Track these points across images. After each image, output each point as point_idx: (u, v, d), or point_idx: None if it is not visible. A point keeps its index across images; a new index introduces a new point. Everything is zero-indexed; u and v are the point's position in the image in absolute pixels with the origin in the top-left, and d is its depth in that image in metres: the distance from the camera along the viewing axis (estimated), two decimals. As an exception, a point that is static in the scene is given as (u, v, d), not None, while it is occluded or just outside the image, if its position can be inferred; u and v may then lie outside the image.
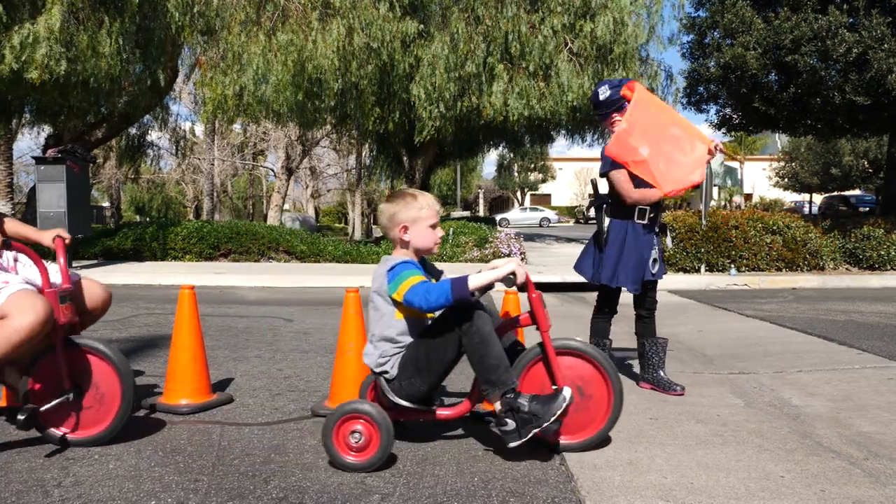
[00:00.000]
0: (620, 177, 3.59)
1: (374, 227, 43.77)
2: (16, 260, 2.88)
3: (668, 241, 3.87)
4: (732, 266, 10.05)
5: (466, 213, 48.70)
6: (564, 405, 2.52)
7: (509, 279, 2.61)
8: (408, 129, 14.43)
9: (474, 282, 2.55)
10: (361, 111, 12.94)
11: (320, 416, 3.18)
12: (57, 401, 2.70)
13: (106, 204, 46.27)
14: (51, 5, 9.82)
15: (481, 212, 60.10)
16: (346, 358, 3.21)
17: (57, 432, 2.75)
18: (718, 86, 13.85)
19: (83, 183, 10.59)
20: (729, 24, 12.71)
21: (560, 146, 70.46)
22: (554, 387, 2.66)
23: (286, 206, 39.82)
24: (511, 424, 2.53)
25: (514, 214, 45.66)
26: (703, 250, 10.16)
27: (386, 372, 2.65)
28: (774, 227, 10.46)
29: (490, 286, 2.61)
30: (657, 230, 3.65)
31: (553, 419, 2.50)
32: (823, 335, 5.52)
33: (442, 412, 2.71)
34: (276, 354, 4.66)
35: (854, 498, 2.31)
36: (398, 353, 2.65)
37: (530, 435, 2.51)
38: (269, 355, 4.63)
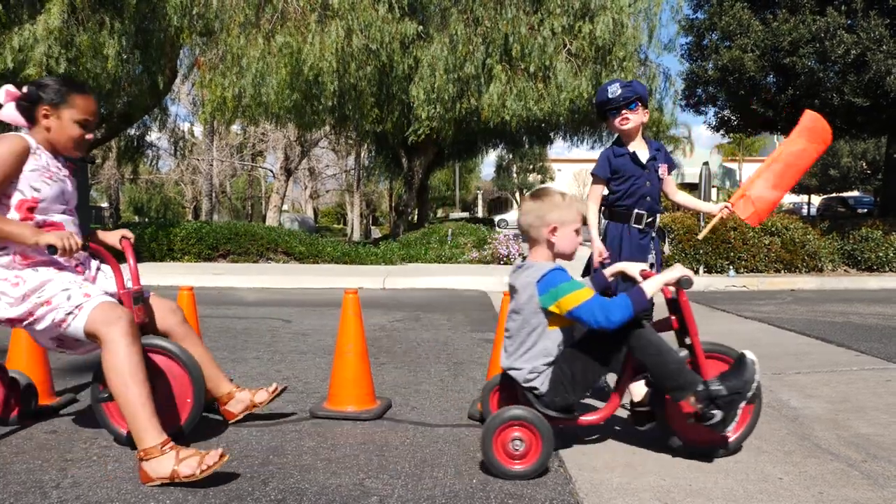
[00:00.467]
0: (594, 186, 3.66)
1: (372, 227, 43.79)
2: (98, 269, 2.88)
3: (666, 246, 3.87)
4: (731, 267, 10.06)
5: (465, 215, 48.74)
6: (756, 367, 2.51)
7: (687, 281, 2.58)
8: (406, 130, 14.44)
9: (649, 290, 2.51)
10: (360, 112, 12.95)
11: (318, 417, 3.18)
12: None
13: (105, 204, 46.25)
14: (50, 6, 9.83)
15: (480, 213, 60.08)
16: (345, 359, 3.21)
17: (122, 431, 2.74)
18: (717, 88, 13.88)
19: (82, 184, 10.58)
20: (727, 27, 12.74)
21: (560, 147, 70.61)
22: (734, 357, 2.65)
23: (285, 207, 39.83)
24: (718, 414, 2.48)
25: (513, 215, 45.60)
26: (701, 252, 10.17)
27: (535, 388, 2.56)
28: (773, 229, 10.48)
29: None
30: (654, 235, 3.65)
31: (755, 385, 2.49)
32: (822, 337, 5.53)
33: (586, 418, 2.66)
34: (275, 356, 4.66)
35: (852, 500, 2.32)
36: (549, 368, 2.56)
37: (740, 410, 2.49)
38: (267, 356, 4.63)
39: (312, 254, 12.02)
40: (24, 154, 2.60)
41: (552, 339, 2.56)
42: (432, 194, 49.19)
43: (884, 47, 11.04)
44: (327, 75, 11.47)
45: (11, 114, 2.71)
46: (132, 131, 17.40)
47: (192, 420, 2.77)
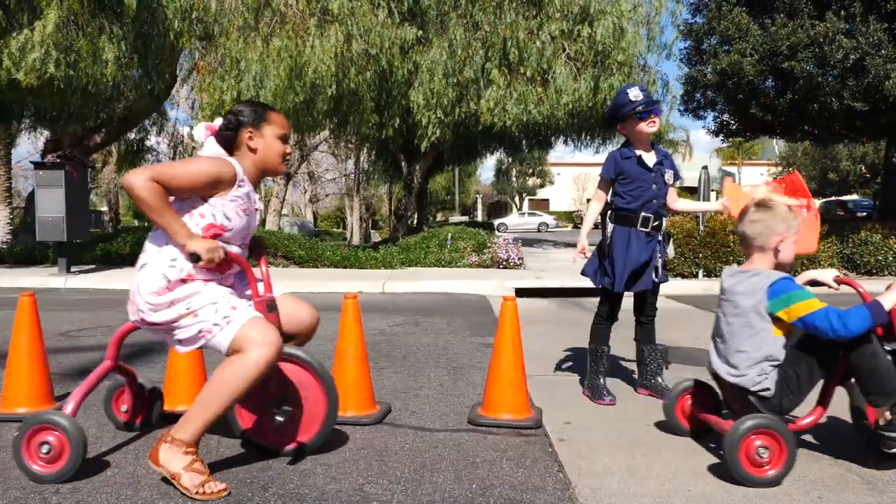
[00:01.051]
0: (598, 188, 3.77)
1: (372, 231, 43.79)
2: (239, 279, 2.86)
3: (671, 250, 3.88)
4: (730, 271, 10.07)
5: (465, 219, 48.75)
6: None
7: None
8: (406, 134, 14.44)
9: (888, 304, 2.57)
10: (360, 117, 12.96)
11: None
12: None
13: (104, 209, 46.27)
14: (47, 11, 9.84)
15: (479, 217, 60.13)
16: (345, 364, 3.21)
17: (262, 442, 2.75)
18: (716, 92, 13.89)
19: (82, 188, 10.59)
20: (725, 31, 12.76)
21: (560, 151, 70.75)
22: None
23: (284, 211, 39.82)
24: None
25: (513, 219, 45.67)
26: (701, 256, 10.18)
27: (767, 389, 2.61)
28: (772, 233, 10.48)
29: None
30: (660, 238, 3.67)
31: None
32: (821, 341, 5.52)
33: (799, 422, 2.70)
34: (275, 360, 4.64)
35: (852, 505, 2.32)
36: (775, 370, 2.62)
37: None
38: (267, 361, 4.61)
39: (312, 258, 12.02)
40: (230, 181, 2.58)
41: (776, 344, 2.62)
42: (432, 198, 49.24)
43: (882, 52, 11.07)
44: (326, 80, 11.48)
45: (214, 149, 2.71)
46: (132, 135, 17.43)
47: (322, 436, 2.72)
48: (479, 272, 11.01)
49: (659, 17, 13.55)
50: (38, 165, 10.36)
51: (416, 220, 21.20)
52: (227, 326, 2.48)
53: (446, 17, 13.19)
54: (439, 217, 55.54)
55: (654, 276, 3.63)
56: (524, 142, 20.18)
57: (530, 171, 56.47)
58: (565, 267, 11.67)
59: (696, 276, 10.11)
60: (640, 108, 3.53)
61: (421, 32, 12.84)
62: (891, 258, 10.69)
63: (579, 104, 12.83)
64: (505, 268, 11.73)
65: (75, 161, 10.45)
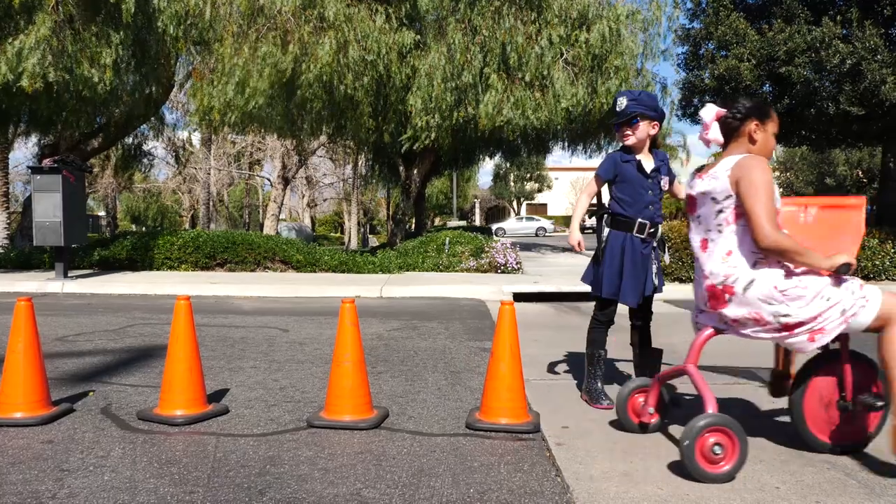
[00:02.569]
0: (592, 183, 3.79)
1: (370, 236, 43.77)
2: None
3: (666, 256, 3.89)
4: (728, 276, 10.07)
5: (462, 223, 48.79)
6: None
7: None
8: (405, 140, 14.42)
9: None
10: (356, 123, 12.96)
11: (316, 427, 3.18)
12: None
13: (102, 213, 46.22)
14: (42, 17, 9.84)
15: (477, 221, 60.17)
16: (342, 368, 3.21)
17: (824, 440, 2.86)
18: (713, 97, 13.92)
19: (79, 193, 10.57)
20: (723, 36, 12.80)
21: (558, 155, 71.01)
22: None
23: (282, 216, 39.82)
24: None
25: (510, 224, 45.73)
26: (698, 260, 10.19)
27: None
28: (769, 237, 10.49)
29: None
30: (655, 244, 3.67)
31: None
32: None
33: None
34: (272, 365, 4.65)
35: (849, 509, 2.32)
36: None
37: None
38: (264, 366, 4.62)
39: (310, 262, 12.01)
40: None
41: None
42: (430, 203, 49.27)
43: (878, 57, 11.11)
44: (318, 86, 11.48)
45: (716, 134, 2.85)
46: (129, 140, 17.45)
47: (879, 428, 2.91)
48: (477, 277, 11.01)
49: (659, 23, 13.59)
50: (35, 170, 10.34)
51: (413, 225, 21.21)
52: (869, 304, 2.67)
53: (445, 21, 13.20)
54: (437, 221, 55.61)
55: (648, 284, 3.63)
56: (522, 146, 20.20)
57: (528, 175, 56.56)
58: (563, 271, 11.68)
59: (693, 280, 10.12)
60: (623, 119, 3.56)
61: (419, 37, 12.86)
62: (888, 263, 10.70)
63: (577, 109, 12.85)
64: (503, 272, 11.73)
65: (73, 166, 10.44)
